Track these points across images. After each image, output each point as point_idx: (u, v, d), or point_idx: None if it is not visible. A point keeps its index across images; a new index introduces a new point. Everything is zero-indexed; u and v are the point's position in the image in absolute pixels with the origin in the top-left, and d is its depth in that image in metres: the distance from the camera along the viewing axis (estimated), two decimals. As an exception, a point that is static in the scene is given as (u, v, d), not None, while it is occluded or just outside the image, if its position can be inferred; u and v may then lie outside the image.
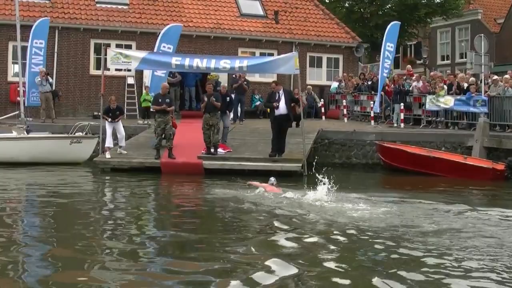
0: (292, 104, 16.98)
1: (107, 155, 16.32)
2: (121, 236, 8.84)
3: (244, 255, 7.58)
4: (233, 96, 22.23)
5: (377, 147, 18.19)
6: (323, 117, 24.85)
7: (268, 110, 24.49)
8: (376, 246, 8.09)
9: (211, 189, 13.22)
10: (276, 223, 9.47)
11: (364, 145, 18.97)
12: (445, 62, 41.11)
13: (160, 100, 16.42)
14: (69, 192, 13.08)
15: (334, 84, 26.31)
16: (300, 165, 15.66)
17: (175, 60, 16.41)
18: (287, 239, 8.36)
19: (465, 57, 39.41)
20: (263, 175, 14.97)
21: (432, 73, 24.69)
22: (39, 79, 20.75)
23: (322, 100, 25.38)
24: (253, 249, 7.84)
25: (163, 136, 16.10)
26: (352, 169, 18.64)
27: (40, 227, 9.62)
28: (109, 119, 16.90)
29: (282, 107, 16.14)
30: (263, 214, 10.33)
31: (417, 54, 44.47)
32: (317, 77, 26.92)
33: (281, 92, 16.34)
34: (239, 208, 10.90)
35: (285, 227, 9.23)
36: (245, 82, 22.06)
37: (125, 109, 23.43)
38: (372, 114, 22.28)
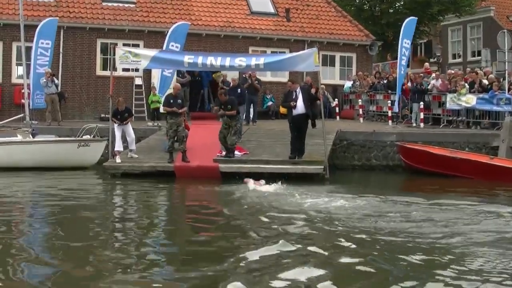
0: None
1: (117, 160, 15.54)
2: (131, 248, 8.19)
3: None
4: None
5: (398, 148, 17.39)
6: (338, 117, 24.08)
7: (280, 109, 24.61)
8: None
9: (230, 195, 12.50)
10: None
11: (385, 146, 18.16)
12: (457, 60, 40.23)
13: (171, 101, 15.64)
14: (78, 199, 12.38)
15: (348, 83, 25.54)
16: (322, 167, 14.87)
17: (187, 58, 15.56)
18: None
19: (478, 55, 39.11)
20: (282, 179, 14.27)
21: (452, 71, 23.79)
22: (44, 80, 19.99)
23: (336, 99, 24.58)
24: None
25: (175, 139, 15.32)
26: (372, 171, 17.88)
27: (47, 237, 8.97)
28: (118, 122, 16.09)
29: (300, 106, 15.34)
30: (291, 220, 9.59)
31: (427, 53, 43.68)
32: (330, 76, 26.09)
33: (298, 90, 15.56)
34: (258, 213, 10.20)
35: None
36: (257, 81, 21.29)
37: (133, 111, 22.69)
38: (389, 114, 21.49)
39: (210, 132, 17.16)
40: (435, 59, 35.58)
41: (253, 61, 15.50)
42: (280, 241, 8.06)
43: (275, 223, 9.67)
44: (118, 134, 15.99)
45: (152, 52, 16.19)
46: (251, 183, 13.37)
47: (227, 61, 15.41)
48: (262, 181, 13.51)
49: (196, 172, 14.65)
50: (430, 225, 9.54)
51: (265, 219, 9.95)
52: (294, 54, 16.30)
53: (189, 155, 15.29)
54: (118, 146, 15.86)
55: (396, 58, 38.52)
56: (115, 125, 16.11)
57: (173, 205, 12.40)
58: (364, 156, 18.26)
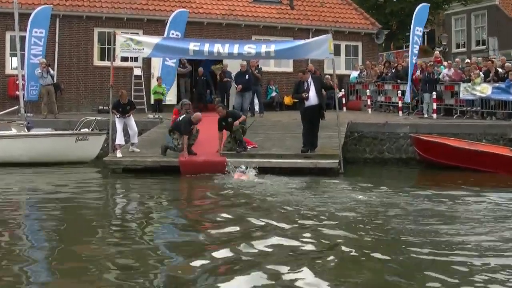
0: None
1: (118, 154, 14.64)
2: (131, 248, 7.51)
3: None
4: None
5: (413, 140, 16.54)
6: (344, 108, 23.23)
7: (285, 100, 23.85)
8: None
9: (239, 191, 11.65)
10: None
11: (398, 139, 17.34)
12: (461, 50, 39.39)
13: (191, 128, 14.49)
14: (77, 198, 11.49)
15: (354, 73, 24.66)
16: (337, 161, 14.02)
17: (193, 46, 14.61)
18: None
19: (482, 45, 38.32)
20: (294, 174, 13.46)
21: (468, 60, 22.93)
22: (40, 71, 19.07)
23: (342, 90, 23.70)
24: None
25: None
26: (385, 164, 17.04)
27: (44, 239, 8.19)
28: (118, 115, 15.16)
29: (312, 97, 14.47)
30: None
31: (430, 42, 42.82)
32: (336, 65, 25.01)
33: (309, 80, 14.67)
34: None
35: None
36: (257, 71, 20.34)
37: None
38: (400, 105, 20.64)
39: (214, 124, 16.27)
40: (441, 48, 34.63)
41: (263, 49, 14.60)
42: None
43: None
44: (119, 127, 15.06)
45: (155, 40, 15.25)
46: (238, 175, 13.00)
47: (235, 49, 14.51)
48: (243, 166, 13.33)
49: (202, 167, 13.76)
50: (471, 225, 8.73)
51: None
52: (307, 40, 15.38)
53: (193, 149, 14.41)
54: (120, 140, 14.94)
55: (400, 48, 38.21)
56: (116, 118, 15.17)
57: (179, 204, 11.48)
58: (376, 149, 17.45)
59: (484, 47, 37.31)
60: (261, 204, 10.31)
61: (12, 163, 15.21)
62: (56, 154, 15.76)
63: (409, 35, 40.54)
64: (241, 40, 18.47)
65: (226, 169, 13.37)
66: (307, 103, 14.44)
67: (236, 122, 14.21)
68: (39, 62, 19.31)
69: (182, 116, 14.78)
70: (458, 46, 40.02)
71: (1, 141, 15.63)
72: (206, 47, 14.52)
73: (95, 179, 14.52)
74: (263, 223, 8.73)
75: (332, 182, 12.82)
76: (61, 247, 7.60)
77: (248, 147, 14.64)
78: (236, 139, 14.23)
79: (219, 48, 14.44)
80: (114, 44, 15.34)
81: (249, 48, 14.54)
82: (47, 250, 7.47)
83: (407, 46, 40.92)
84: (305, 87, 14.48)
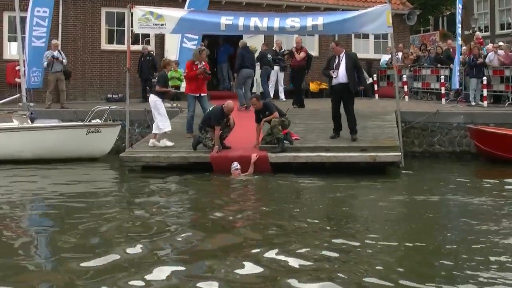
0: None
1: (168, 143, 12.77)
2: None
3: None
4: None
5: (471, 132, 14.54)
6: (376, 95, 21.21)
7: (310, 86, 21.87)
8: None
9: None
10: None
11: (450, 129, 15.30)
12: (483, 34, 37.30)
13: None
14: (89, 201, 9.43)
15: (385, 58, 22.62)
16: (399, 154, 11.99)
17: (225, 20, 12.43)
18: None
19: (507, 28, 36.28)
20: (344, 170, 11.44)
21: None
22: (54, 54, 16.96)
23: (374, 75, 21.67)
24: None
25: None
26: (436, 158, 15.05)
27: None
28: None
29: (341, 74, 12.52)
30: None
31: (450, 26, 40.77)
32: (364, 49, 23.12)
33: (342, 55, 12.70)
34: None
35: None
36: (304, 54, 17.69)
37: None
38: (443, 91, 18.60)
39: (241, 113, 14.26)
40: (470, 32, 32.47)
41: (309, 22, 12.46)
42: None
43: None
44: (162, 110, 13.05)
45: (179, 13, 13.05)
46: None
47: (276, 22, 12.40)
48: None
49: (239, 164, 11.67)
50: None
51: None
52: (362, 12, 13.18)
53: (225, 143, 12.36)
54: (167, 126, 12.92)
55: (421, 32, 36.20)
56: (159, 99, 13.09)
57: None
58: (426, 141, 15.40)
59: (509, 30, 35.36)
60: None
61: (12, 160, 13.25)
62: (63, 149, 13.74)
63: (429, 18, 38.58)
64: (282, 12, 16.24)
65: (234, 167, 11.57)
66: (334, 81, 12.63)
67: (274, 115, 12.08)
68: (52, 44, 17.30)
69: (212, 107, 12.66)
70: (480, 30, 37.92)
71: (1, 134, 13.57)
72: (241, 21, 12.40)
73: (111, 180, 12.46)
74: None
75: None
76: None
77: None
78: (274, 136, 12.13)
79: (257, 21, 12.34)
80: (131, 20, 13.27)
81: (293, 22, 12.42)
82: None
83: (427, 31, 39.44)
84: (336, 63, 12.61)
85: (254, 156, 11.61)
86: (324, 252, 6.30)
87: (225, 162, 11.70)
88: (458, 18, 18.17)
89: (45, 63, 17.04)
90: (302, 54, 17.48)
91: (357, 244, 6.69)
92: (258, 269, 5.76)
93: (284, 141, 12.08)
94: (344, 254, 6.28)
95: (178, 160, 12.16)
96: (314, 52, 22.47)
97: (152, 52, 19.42)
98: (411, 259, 6.27)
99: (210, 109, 12.62)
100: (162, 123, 12.87)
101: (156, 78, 13.78)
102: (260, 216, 8.38)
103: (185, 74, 13.65)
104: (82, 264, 5.95)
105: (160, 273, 5.65)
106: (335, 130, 12.98)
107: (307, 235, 7.17)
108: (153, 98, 13.18)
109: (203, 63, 13.37)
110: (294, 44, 17.88)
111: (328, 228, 7.70)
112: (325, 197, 10.01)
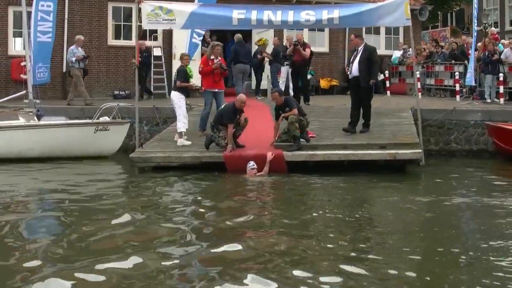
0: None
1: (187, 142, 12.46)
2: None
3: None
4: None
5: (490, 129, 14.15)
6: (388, 92, 20.79)
7: (321, 83, 21.47)
8: None
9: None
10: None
11: (468, 127, 14.92)
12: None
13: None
14: (99, 203, 9.05)
15: (396, 54, 22.22)
16: (420, 151, 11.58)
17: (237, 14, 11.97)
18: None
19: (518, 24, 35.77)
20: (361, 169, 11.07)
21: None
22: (80, 50, 16.85)
23: (386, 72, 21.25)
24: None
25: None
26: (453, 157, 14.64)
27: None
28: (198, 87, 13.43)
29: (354, 68, 12.44)
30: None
31: (459, 23, 40.34)
32: (375, 45, 22.48)
33: (360, 48, 12.51)
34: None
35: None
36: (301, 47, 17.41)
37: (152, 87, 19.51)
38: (457, 88, 18.19)
39: (254, 110, 13.84)
40: (480, 28, 31.97)
41: (325, 15, 12.04)
42: None
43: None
44: (183, 107, 12.75)
45: (190, 7, 12.55)
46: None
47: (290, 15, 11.96)
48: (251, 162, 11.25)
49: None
50: None
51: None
52: (379, 4, 12.76)
53: (238, 141, 11.97)
54: (183, 126, 12.59)
55: (429, 28, 35.72)
56: (182, 96, 12.77)
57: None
58: (442, 139, 15.01)
59: (520, 27, 34.85)
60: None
61: (19, 159, 12.89)
62: (71, 148, 13.38)
63: (438, 14, 38.06)
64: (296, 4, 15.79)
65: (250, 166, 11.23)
66: (350, 75, 12.68)
67: (293, 111, 11.65)
68: (79, 40, 17.17)
69: (224, 105, 12.27)
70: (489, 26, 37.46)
71: (6, 132, 13.20)
72: (254, 15, 11.95)
73: (121, 179, 12.03)
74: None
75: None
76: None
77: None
78: (290, 133, 11.72)
79: (270, 15, 11.88)
80: (139, 16, 12.85)
81: (307, 15, 11.98)
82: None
83: (435, 27, 38.93)
84: (353, 56, 12.56)
85: (270, 155, 11.21)
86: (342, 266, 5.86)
87: (239, 162, 11.31)
88: (475, 13, 17.79)
89: (73, 58, 16.74)
90: (308, 51, 17.12)
91: (380, 258, 6.22)
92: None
93: (300, 139, 11.67)
94: (364, 269, 5.80)
95: (190, 160, 11.75)
96: (325, 48, 22.16)
97: (149, 48, 19.09)
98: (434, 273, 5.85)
99: (222, 106, 12.24)
100: (179, 122, 12.50)
101: (175, 73, 13.34)
102: (274, 222, 7.94)
103: (200, 69, 13.23)
104: (83, 268, 5.65)
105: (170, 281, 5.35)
106: (350, 123, 12.70)
107: (324, 249, 6.65)
108: (175, 95, 12.81)
109: (219, 58, 12.99)
110: (294, 39, 17.32)
111: (348, 238, 7.19)
112: (345, 199, 9.61)
